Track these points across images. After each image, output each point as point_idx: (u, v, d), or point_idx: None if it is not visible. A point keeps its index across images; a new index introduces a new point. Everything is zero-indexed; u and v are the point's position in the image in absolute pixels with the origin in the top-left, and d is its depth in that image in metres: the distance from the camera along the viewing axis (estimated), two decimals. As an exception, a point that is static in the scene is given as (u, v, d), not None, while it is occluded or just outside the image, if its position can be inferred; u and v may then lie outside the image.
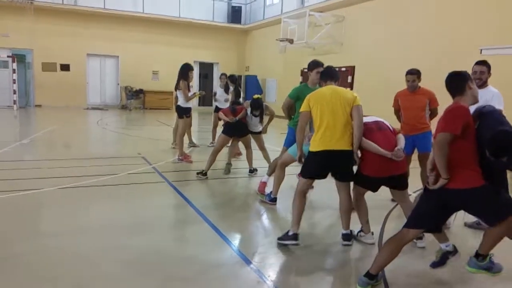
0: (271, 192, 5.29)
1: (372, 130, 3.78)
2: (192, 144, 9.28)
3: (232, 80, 8.28)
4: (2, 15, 17.11)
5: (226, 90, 9.09)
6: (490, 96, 4.08)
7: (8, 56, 16.61)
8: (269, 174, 5.68)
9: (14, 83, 16.44)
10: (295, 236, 3.79)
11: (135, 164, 7.21)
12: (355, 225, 4.08)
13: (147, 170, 6.86)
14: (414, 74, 5.17)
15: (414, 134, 5.13)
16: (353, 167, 3.87)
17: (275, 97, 19.11)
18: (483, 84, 4.22)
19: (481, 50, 9.87)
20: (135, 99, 19.99)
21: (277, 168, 5.20)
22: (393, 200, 4.74)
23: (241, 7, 21.81)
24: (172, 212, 5.02)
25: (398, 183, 3.85)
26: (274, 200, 5.27)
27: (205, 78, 22.56)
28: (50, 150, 8.66)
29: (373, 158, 3.68)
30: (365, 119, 3.87)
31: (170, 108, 20.05)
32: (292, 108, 5.33)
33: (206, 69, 22.42)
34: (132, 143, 10.14)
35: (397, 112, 5.51)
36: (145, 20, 19.56)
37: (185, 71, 7.38)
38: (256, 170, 6.85)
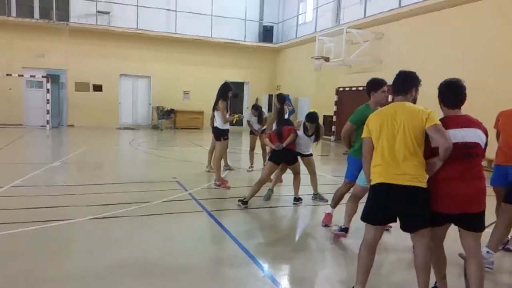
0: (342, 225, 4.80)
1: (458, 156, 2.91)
2: (228, 167, 8.77)
3: (279, 100, 7.72)
4: (39, 36, 17.38)
5: (260, 120, 8.56)
6: None
7: (43, 77, 16.77)
8: (333, 206, 5.10)
9: (48, 103, 16.51)
10: None
11: (170, 189, 6.72)
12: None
13: (183, 197, 6.35)
14: None
15: (510, 165, 4.03)
16: (426, 209, 2.92)
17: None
18: None
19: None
20: (166, 119, 19.83)
21: (349, 201, 4.74)
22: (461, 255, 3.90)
23: (272, 26, 21.57)
24: (214, 250, 4.44)
25: (471, 223, 2.96)
26: (345, 230, 4.74)
27: (235, 97, 22.25)
28: (82, 174, 8.32)
29: (442, 189, 2.90)
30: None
31: (200, 128, 19.82)
32: (352, 134, 4.70)
33: (237, 89, 22.11)
34: (165, 165, 9.71)
35: (499, 135, 4.37)
36: (177, 40, 19.53)
37: (224, 91, 6.88)
38: (301, 199, 6.23)
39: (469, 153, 2.88)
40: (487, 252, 3.79)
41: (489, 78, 9.89)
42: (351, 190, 4.88)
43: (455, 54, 11.04)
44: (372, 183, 3.05)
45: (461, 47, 11.01)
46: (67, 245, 4.27)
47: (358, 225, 5.11)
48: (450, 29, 11.45)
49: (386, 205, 2.98)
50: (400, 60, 12.89)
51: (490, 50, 10.20)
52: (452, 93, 3.03)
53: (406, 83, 3.14)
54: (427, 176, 2.95)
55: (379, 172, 2.98)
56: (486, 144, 2.99)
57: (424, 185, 2.89)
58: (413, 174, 2.86)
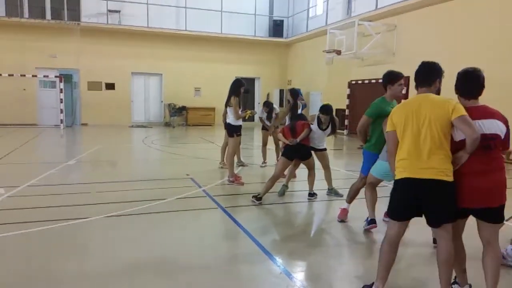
0: (367, 217, 4.78)
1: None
2: (240, 163, 8.75)
3: (292, 94, 7.67)
4: (51, 37, 17.55)
5: (269, 118, 8.52)
6: None
7: (55, 76, 16.97)
8: (349, 202, 5.05)
9: (61, 102, 16.72)
10: None
11: (184, 186, 6.74)
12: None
13: (197, 194, 6.35)
14: None
15: None
16: (452, 203, 2.83)
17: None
18: None
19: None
20: (178, 116, 19.90)
21: (366, 190, 4.73)
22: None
23: (282, 20, 21.43)
24: (230, 247, 4.42)
25: (492, 216, 2.88)
26: (373, 222, 4.72)
27: (246, 93, 22.21)
28: (96, 172, 8.38)
29: (463, 183, 2.82)
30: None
31: (212, 124, 19.85)
32: (368, 128, 4.63)
33: (248, 84, 22.06)
34: (179, 162, 9.75)
35: None
36: (187, 37, 19.54)
37: (236, 87, 6.85)
38: (316, 194, 6.18)
39: (489, 145, 2.78)
40: None
41: (506, 69, 9.68)
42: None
43: (469, 45, 10.83)
44: (396, 177, 2.97)
45: (475, 38, 10.78)
46: (84, 244, 4.29)
47: (377, 220, 5.09)
48: (463, 19, 11.23)
49: (412, 200, 2.89)
50: (413, 51, 12.70)
51: (506, 40, 9.97)
52: (469, 83, 2.92)
53: (430, 75, 3.03)
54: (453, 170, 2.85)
55: (404, 166, 2.90)
56: (508, 135, 2.87)
57: (450, 178, 2.79)
58: (439, 167, 2.78)
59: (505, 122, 2.87)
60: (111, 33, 18.40)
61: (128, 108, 19.59)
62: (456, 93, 2.98)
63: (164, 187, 6.81)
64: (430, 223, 2.94)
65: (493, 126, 2.80)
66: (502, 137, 2.84)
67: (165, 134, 16.53)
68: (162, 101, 20.25)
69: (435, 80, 3.01)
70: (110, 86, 19.01)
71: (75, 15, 17.96)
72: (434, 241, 4.13)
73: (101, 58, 18.45)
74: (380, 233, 4.76)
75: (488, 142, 2.79)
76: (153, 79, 20.19)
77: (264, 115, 8.57)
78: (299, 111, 7.65)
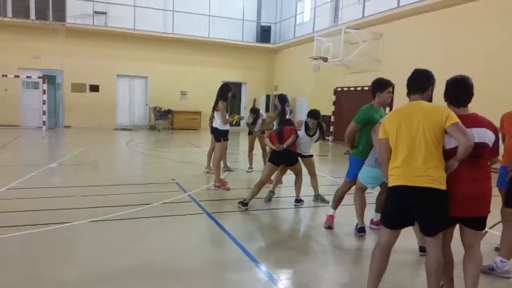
0: (357, 224, 4.86)
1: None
2: (227, 168, 8.70)
3: (280, 100, 7.68)
4: (35, 37, 17.27)
5: (254, 123, 8.48)
6: None
7: (39, 77, 16.67)
8: (335, 207, 5.07)
9: (44, 104, 16.42)
10: None
11: (170, 191, 6.66)
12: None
13: (183, 199, 6.28)
14: None
15: None
16: (442, 213, 2.83)
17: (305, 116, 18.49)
18: None
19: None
20: (164, 119, 19.75)
21: (356, 195, 4.79)
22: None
23: (270, 26, 21.52)
24: (217, 253, 4.36)
25: (477, 223, 2.94)
26: (363, 231, 4.77)
27: (234, 98, 22.16)
28: (80, 175, 8.22)
29: (451, 191, 2.83)
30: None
31: (198, 128, 19.75)
32: (356, 134, 4.68)
33: (235, 89, 21.99)
34: (164, 166, 9.64)
35: (505, 138, 4.26)
36: (174, 40, 19.45)
37: (224, 91, 6.82)
38: (303, 201, 6.18)
39: (477, 154, 2.80)
40: (501, 261, 3.72)
41: (488, 78, 9.88)
42: (352, 189, 4.92)
43: (454, 54, 11.03)
44: (390, 185, 2.95)
45: (461, 46, 10.99)
46: (69, 249, 4.19)
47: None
48: (449, 29, 11.44)
49: (404, 208, 2.87)
50: (398, 60, 12.88)
51: (492, 48, 10.17)
52: (458, 90, 2.93)
53: (423, 82, 3.02)
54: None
55: (398, 174, 2.87)
56: (496, 144, 2.90)
57: (444, 187, 2.77)
58: (433, 175, 2.75)
59: (494, 131, 2.89)
60: (97, 34, 18.19)
61: (113, 110, 19.36)
62: (446, 101, 3.00)
63: (149, 191, 6.72)
64: (424, 231, 2.92)
65: (483, 135, 2.82)
66: (490, 145, 2.86)
67: (150, 138, 16.37)
68: (147, 104, 20.08)
69: (428, 88, 3.01)
70: (95, 88, 18.76)
71: (60, 15, 17.70)
72: (421, 249, 4.16)
73: (86, 59, 18.21)
74: (367, 239, 4.79)
75: (477, 151, 2.80)
76: (139, 82, 20.01)
77: (250, 121, 8.55)
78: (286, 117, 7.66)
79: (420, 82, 3.02)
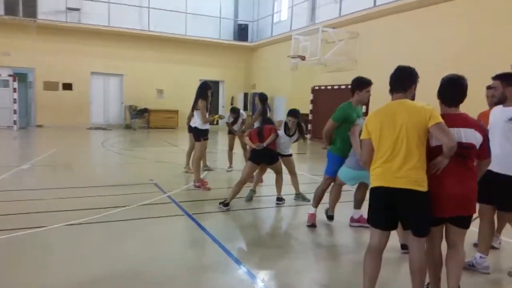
0: (327, 210, 5.16)
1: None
2: (206, 168, 8.60)
3: (261, 99, 7.63)
4: (4, 33, 16.65)
5: (234, 123, 8.41)
6: None
7: (9, 75, 16.08)
8: (315, 206, 5.10)
9: (15, 102, 15.87)
10: None
11: (148, 192, 6.51)
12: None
13: (162, 200, 6.15)
14: (496, 80, 3.72)
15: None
16: (427, 214, 2.82)
17: (284, 115, 18.52)
18: (499, 102, 3.64)
19: (512, 66, 9.31)
20: (140, 118, 19.40)
21: (333, 188, 4.97)
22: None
23: (247, 25, 21.45)
24: (199, 256, 4.28)
25: (462, 222, 2.95)
26: (331, 218, 5.07)
27: (211, 96, 22.01)
28: (54, 177, 7.96)
29: (436, 190, 2.84)
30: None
31: (175, 127, 19.51)
32: (333, 132, 4.74)
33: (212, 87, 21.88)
34: (141, 167, 9.44)
35: None
36: (150, 38, 19.12)
37: (203, 90, 6.73)
38: (284, 199, 6.16)
39: (462, 154, 2.81)
40: (480, 257, 3.79)
41: (469, 77, 10.08)
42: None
43: (430, 54, 11.21)
44: (371, 185, 2.94)
45: (437, 46, 11.18)
46: (44, 255, 4.01)
47: (344, 224, 5.13)
48: (425, 28, 11.62)
49: (387, 209, 2.84)
50: (374, 59, 13.02)
51: (469, 48, 10.37)
52: (450, 90, 2.94)
53: (406, 80, 2.96)
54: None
55: (378, 174, 2.86)
56: (484, 145, 2.90)
57: (424, 189, 2.76)
58: (413, 177, 2.73)
59: (482, 132, 2.88)
60: (70, 31, 17.69)
61: (87, 109, 18.88)
62: (438, 99, 2.99)
63: (126, 193, 6.55)
64: (413, 233, 2.88)
65: (470, 136, 2.83)
66: (477, 147, 2.87)
67: (125, 137, 16.04)
68: (122, 103, 19.67)
69: (411, 86, 2.95)
70: (68, 86, 18.25)
71: (31, 11, 17.08)
72: (402, 247, 4.19)
73: (59, 57, 17.69)
74: (349, 237, 4.81)
75: (462, 151, 2.81)
76: (113, 80, 19.58)
77: (231, 120, 8.46)
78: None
79: (402, 80, 2.95)
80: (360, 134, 4.32)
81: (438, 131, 2.71)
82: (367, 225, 4.92)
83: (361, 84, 4.61)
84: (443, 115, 2.85)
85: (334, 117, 4.64)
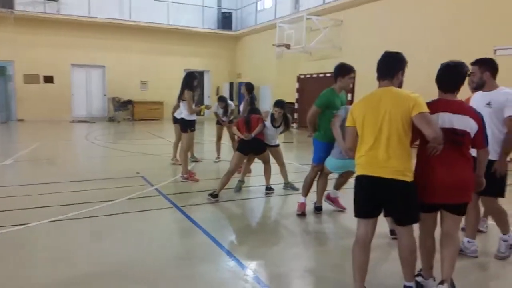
0: (315, 202, 5.18)
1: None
2: (194, 159, 8.50)
3: (248, 89, 7.53)
4: (-20, 25, 16.14)
5: (225, 112, 8.28)
6: (504, 98, 3.50)
7: (-13, 69, 15.64)
8: (305, 195, 5.09)
9: (-6, 97, 15.46)
10: None
11: (135, 185, 6.40)
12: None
13: (149, 193, 6.05)
14: (475, 65, 3.63)
15: None
16: (412, 204, 2.79)
17: (270, 104, 18.45)
18: (478, 87, 3.63)
19: (495, 50, 9.38)
20: (123, 110, 19.10)
21: (320, 178, 4.99)
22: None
23: (231, 13, 21.19)
24: (189, 249, 4.20)
25: (456, 209, 2.91)
26: (319, 209, 5.08)
27: (197, 86, 21.78)
28: (37, 172, 7.76)
29: (428, 176, 2.83)
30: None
31: (160, 119, 19.28)
32: (317, 118, 4.75)
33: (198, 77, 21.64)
34: (127, 160, 9.28)
35: None
36: (132, 28, 18.78)
37: (189, 80, 6.60)
38: (273, 189, 6.13)
39: (455, 140, 2.78)
40: (468, 241, 3.82)
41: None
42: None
43: (414, 40, 11.23)
44: (356, 174, 2.91)
45: (419, 33, 11.21)
46: (28, 253, 3.89)
47: (330, 213, 5.12)
48: (408, 14, 11.63)
49: (371, 198, 2.82)
50: (359, 47, 13.02)
51: (452, 34, 10.42)
52: (445, 76, 2.91)
53: (392, 66, 2.87)
54: (413, 168, 2.82)
55: (362, 163, 2.83)
56: (480, 135, 2.84)
57: (409, 178, 2.73)
58: (397, 167, 2.69)
59: (477, 121, 2.83)
60: (49, 22, 17.25)
61: (68, 102, 18.52)
62: (436, 84, 2.97)
63: (113, 186, 6.42)
64: (396, 222, 2.91)
65: (464, 122, 2.79)
66: (472, 135, 2.82)
67: (109, 130, 15.80)
68: (105, 95, 19.33)
69: (397, 72, 2.87)
70: (49, 79, 17.86)
71: (8, 2, 16.50)
72: (391, 232, 4.21)
73: (38, 49, 17.26)
74: (340, 226, 4.81)
75: (458, 138, 2.78)
76: (95, 72, 19.21)
77: (220, 111, 8.32)
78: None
79: (389, 66, 2.88)
80: (342, 124, 4.37)
81: (420, 121, 2.65)
82: (340, 208, 5.20)
83: (344, 70, 4.64)
84: (439, 100, 2.84)
85: (317, 103, 4.67)
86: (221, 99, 8.39)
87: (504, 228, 3.82)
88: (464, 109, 2.85)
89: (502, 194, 3.66)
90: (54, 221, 4.65)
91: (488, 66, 3.60)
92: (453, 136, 2.75)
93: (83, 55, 18.33)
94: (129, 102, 19.19)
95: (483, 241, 4.19)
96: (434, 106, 2.83)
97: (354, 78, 4.85)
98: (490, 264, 3.79)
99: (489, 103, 3.53)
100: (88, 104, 19.29)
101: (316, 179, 5.07)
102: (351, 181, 4.93)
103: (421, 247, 3.04)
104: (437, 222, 3.06)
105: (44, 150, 10.18)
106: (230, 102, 8.45)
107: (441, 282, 2.88)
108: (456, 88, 2.89)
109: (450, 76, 2.90)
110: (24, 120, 17.34)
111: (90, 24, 17.91)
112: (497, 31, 9.50)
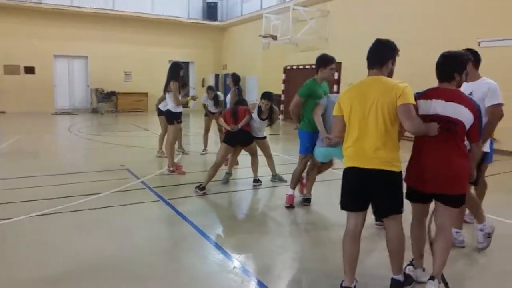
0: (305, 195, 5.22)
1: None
2: (181, 150, 8.41)
3: (234, 80, 7.43)
4: (-44, 14, 15.63)
5: (216, 103, 8.14)
6: (486, 88, 3.62)
7: (-36, 59, 15.18)
8: (293, 187, 5.09)
9: (-27, 88, 15.03)
10: None
11: (120, 178, 6.31)
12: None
13: (135, 186, 5.97)
14: None
15: None
16: (398, 194, 2.77)
17: (256, 95, 18.37)
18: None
19: (479, 42, 9.48)
20: (107, 102, 18.81)
21: (310, 170, 5.07)
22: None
23: (216, 3, 20.95)
24: (177, 242, 4.15)
25: (449, 201, 2.86)
26: (308, 201, 5.10)
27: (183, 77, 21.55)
28: (18, 166, 7.56)
29: (419, 163, 2.84)
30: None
31: (145, 110, 19.04)
32: (301, 108, 4.79)
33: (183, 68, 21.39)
34: (111, 152, 9.14)
35: None
36: (115, 17, 18.43)
37: (175, 71, 6.49)
38: (261, 181, 6.10)
39: (449, 128, 2.75)
40: (456, 232, 3.85)
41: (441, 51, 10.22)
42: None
43: (399, 31, 11.26)
44: (344, 165, 2.88)
45: (405, 25, 11.24)
46: (10, 249, 3.79)
47: (319, 205, 5.12)
48: (400, 5, 11.62)
49: (358, 190, 2.80)
50: (345, 38, 13.02)
51: (440, 24, 10.47)
52: (439, 66, 2.92)
53: (382, 54, 2.82)
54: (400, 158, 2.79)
55: (350, 155, 2.80)
56: (475, 125, 2.79)
57: (397, 168, 2.72)
58: (383, 157, 2.67)
59: (474, 113, 2.77)
60: (31, 12, 16.82)
61: (51, 93, 18.13)
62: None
63: (97, 180, 6.31)
64: (376, 213, 2.91)
65: (457, 111, 2.75)
66: (466, 126, 2.77)
67: (93, 122, 15.55)
68: (88, 86, 18.98)
69: (387, 61, 2.82)
70: (30, 70, 17.45)
71: (-15, -10, 16.10)
72: (376, 219, 4.23)
73: (19, 39, 16.82)
74: (329, 217, 4.81)
75: (450, 126, 2.75)
76: (78, 62, 18.83)
77: (209, 102, 8.18)
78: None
79: (379, 54, 2.83)
80: (325, 113, 4.49)
81: (401, 113, 2.62)
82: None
83: (325, 61, 4.68)
84: (435, 88, 2.88)
85: (300, 93, 4.72)
86: (211, 89, 8.23)
87: (479, 218, 3.87)
88: (459, 97, 2.81)
89: (475, 182, 3.65)
90: (38, 215, 4.54)
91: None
92: (447, 124, 2.74)
93: (65, 46, 17.93)
94: (113, 93, 18.89)
95: (469, 232, 4.24)
96: (429, 93, 2.85)
97: (335, 69, 4.92)
98: (475, 253, 3.83)
99: (471, 93, 3.59)
100: (71, 95, 18.92)
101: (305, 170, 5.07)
102: (337, 173, 4.99)
103: (411, 235, 3.07)
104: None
105: (26, 143, 9.96)
106: (219, 93, 8.35)
107: (431, 278, 2.88)
108: (449, 77, 2.87)
109: (443, 66, 2.91)
110: (5, 112, 16.93)
111: (72, 13, 17.52)
112: (481, 24, 9.59)
